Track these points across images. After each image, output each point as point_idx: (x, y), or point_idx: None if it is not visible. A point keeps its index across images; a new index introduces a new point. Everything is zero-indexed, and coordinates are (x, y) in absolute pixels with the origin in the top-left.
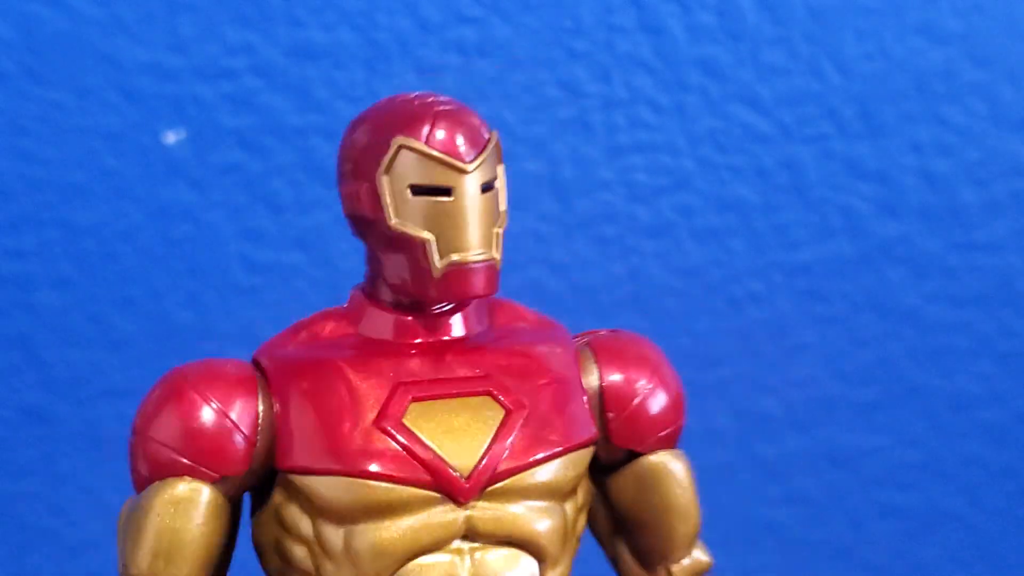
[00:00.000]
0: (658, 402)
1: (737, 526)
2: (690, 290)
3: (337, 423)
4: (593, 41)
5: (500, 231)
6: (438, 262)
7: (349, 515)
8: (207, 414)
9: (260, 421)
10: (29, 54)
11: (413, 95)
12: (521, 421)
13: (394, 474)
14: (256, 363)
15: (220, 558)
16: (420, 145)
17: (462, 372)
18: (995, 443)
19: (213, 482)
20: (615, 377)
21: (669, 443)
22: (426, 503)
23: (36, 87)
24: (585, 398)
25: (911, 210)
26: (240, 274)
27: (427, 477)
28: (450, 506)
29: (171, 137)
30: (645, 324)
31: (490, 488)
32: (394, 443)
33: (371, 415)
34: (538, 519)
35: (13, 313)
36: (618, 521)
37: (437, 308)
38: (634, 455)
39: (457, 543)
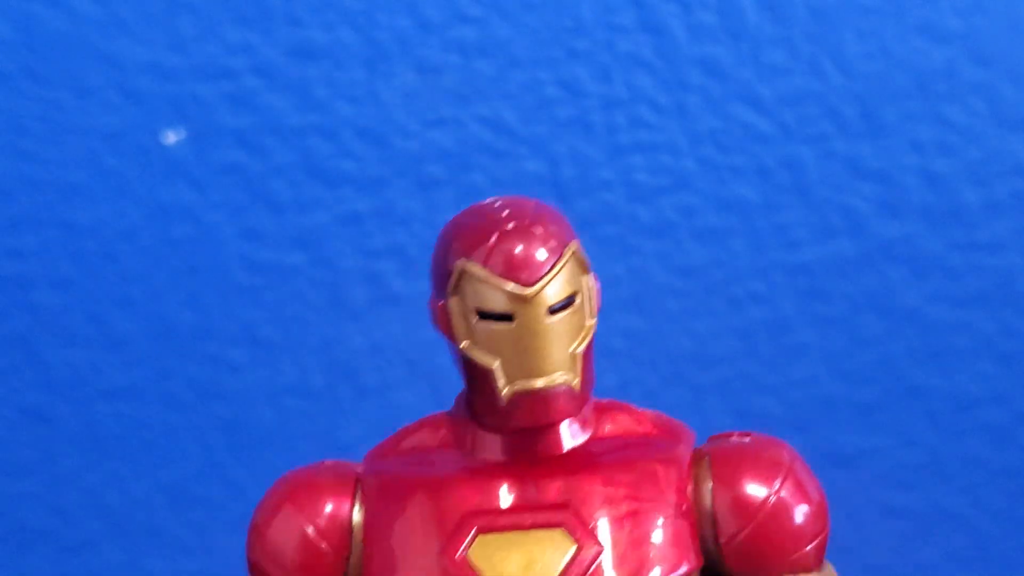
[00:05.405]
0: (784, 519)
1: None
2: (690, 290)
3: (404, 553)
4: (593, 41)
5: (580, 350)
6: (504, 389)
7: None
8: (297, 531)
9: (352, 532)
10: (29, 54)
11: (490, 204)
12: (591, 558)
13: None
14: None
15: None
16: (480, 270)
17: (543, 498)
18: (996, 443)
19: None
20: (727, 495)
21: (806, 565)
22: None
23: (36, 87)
24: (688, 523)
25: (912, 210)
26: (240, 274)
27: None
28: None
29: (171, 137)
30: (645, 324)
31: None
32: None
33: (435, 547)
34: None
35: (13, 313)
36: None
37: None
38: None
39: None
